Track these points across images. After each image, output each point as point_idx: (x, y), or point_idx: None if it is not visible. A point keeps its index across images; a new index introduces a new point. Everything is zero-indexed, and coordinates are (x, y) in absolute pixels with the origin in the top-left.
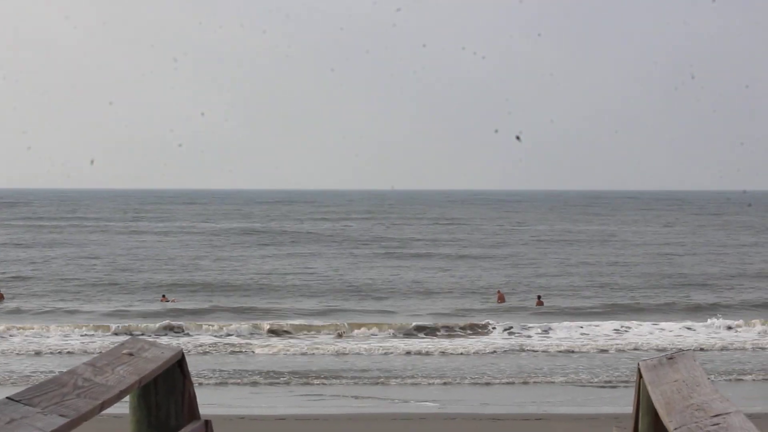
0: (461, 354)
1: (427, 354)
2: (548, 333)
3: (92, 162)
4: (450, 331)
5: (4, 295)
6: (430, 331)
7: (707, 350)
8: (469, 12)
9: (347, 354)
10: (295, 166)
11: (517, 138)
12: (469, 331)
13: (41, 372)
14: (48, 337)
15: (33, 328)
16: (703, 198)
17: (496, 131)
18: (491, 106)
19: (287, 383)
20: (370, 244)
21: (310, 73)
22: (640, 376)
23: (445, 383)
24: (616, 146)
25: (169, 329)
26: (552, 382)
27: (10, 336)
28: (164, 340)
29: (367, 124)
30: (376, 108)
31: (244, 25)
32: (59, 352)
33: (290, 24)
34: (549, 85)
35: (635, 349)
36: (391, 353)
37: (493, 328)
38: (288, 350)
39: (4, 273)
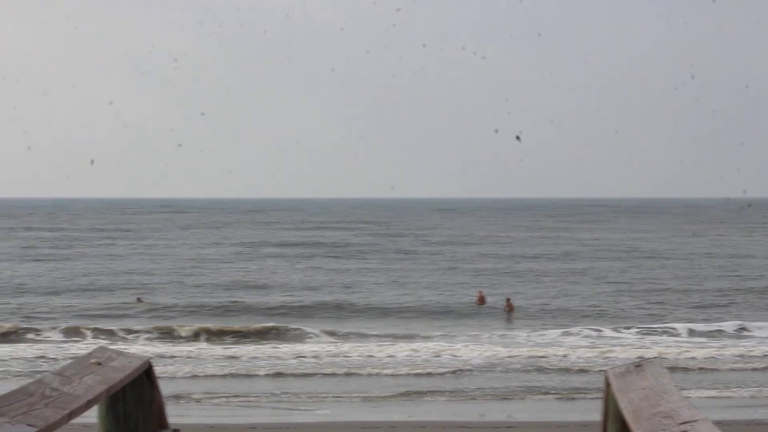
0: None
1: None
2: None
3: (92, 162)
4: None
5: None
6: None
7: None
8: (469, 12)
9: (337, 358)
10: (291, 171)
11: (517, 138)
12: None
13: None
14: None
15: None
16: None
17: (496, 131)
18: (491, 107)
19: (259, 392)
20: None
21: (311, 73)
22: (608, 384)
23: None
24: (616, 147)
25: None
26: (521, 391)
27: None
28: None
29: (367, 124)
30: (377, 108)
31: (244, 25)
32: None
33: (290, 24)
34: (549, 85)
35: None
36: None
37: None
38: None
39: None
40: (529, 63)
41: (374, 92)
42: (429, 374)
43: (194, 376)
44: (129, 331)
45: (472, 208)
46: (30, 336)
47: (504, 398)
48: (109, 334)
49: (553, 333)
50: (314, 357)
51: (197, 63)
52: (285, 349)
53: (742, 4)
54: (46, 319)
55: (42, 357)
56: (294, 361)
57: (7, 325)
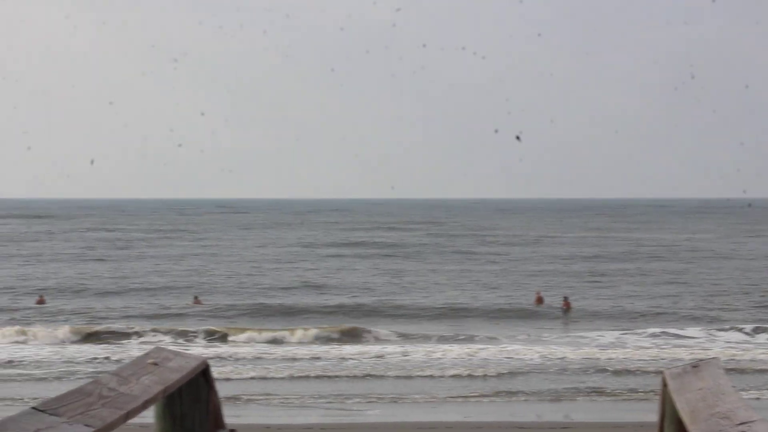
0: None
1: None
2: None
3: (92, 162)
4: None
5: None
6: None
7: None
8: (469, 12)
9: (383, 358)
10: (293, 172)
11: (517, 138)
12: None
13: None
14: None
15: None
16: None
17: (496, 131)
18: (491, 107)
19: (315, 392)
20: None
21: (310, 73)
22: (665, 385)
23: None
24: (616, 147)
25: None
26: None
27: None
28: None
29: (366, 124)
30: (376, 109)
31: (244, 25)
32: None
33: (290, 24)
34: (549, 85)
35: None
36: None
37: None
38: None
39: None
40: (529, 63)
41: (374, 92)
42: (486, 375)
43: (251, 378)
44: (186, 332)
45: (521, 208)
46: (105, 337)
47: (561, 399)
48: (166, 334)
49: (611, 333)
50: (373, 357)
51: (197, 63)
52: (346, 349)
53: (742, 4)
54: (105, 319)
55: (94, 358)
56: (352, 362)
57: (95, 327)
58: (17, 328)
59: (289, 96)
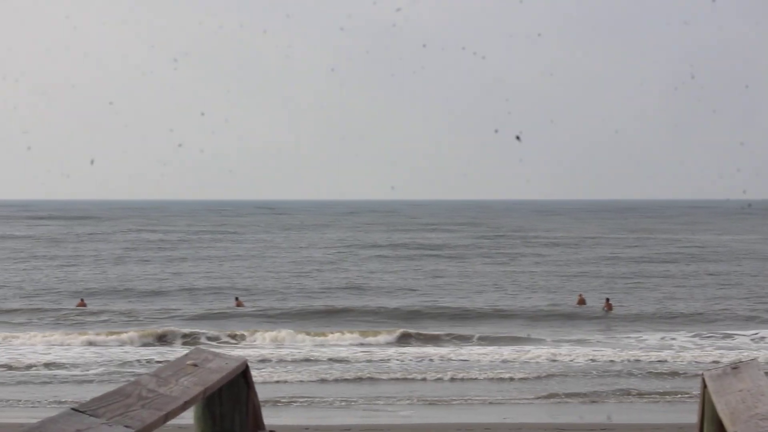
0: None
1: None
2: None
3: (92, 162)
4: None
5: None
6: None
7: None
8: (469, 12)
9: (425, 360)
10: (293, 173)
11: (517, 138)
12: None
13: None
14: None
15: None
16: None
17: (496, 131)
18: (491, 106)
19: (353, 394)
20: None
21: (311, 73)
22: (705, 386)
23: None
24: (616, 147)
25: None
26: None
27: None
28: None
29: (366, 125)
30: (376, 108)
31: (244, 25)
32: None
33: (290, 24)
34: (549, 85)
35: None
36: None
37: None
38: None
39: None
40: (529, 63)
41: (374, 92)
42: (527, 376)
43: (290, 380)
44: (226, 334)
45: (563, 209)
46: (168, 339)
47: (602, 400)
48: (206, 336)
49: (653, 335)
50: (415, 359)
51: (197, 63)
52: (388, 351)
53: (742, 4)
54: (149, 320)
55: (124, 361)
56: (394, 363)
57: (159, 330)
58: (78, 332)
59: (289, 96)
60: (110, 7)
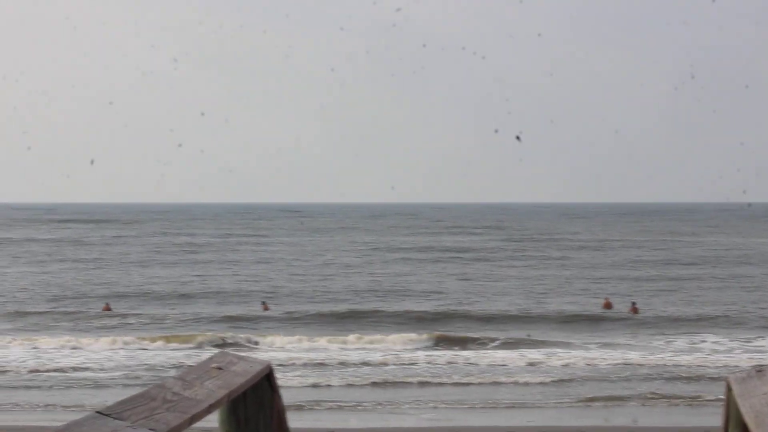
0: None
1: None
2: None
3: (92, 162)
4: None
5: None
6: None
7: None
8: (469, 12)
9: (452, 364)
10: (294, 173)
11: (517, 138)
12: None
13: None
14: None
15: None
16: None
17: (497, 131)
18: (491, 106)
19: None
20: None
21: (310, 73)
22: (730, 389)
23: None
24: (616, 147)
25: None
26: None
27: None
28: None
29: (367, 124)
30: (376, 108)
31: (244, 25)
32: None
33: (290, 24)
34: (549, 85)
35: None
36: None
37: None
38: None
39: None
40: (529, 63)
41: (374, 92)
42: (553, 379)
43: (314, 385)
44: (251, 338)
45: (588, 212)
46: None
47: (627, 403)
48: (232, 340)
49: (679, 338)
50: (444, 363)
51: (197, 63)
52: (416, 354)
53: (742, 4)
54: (174, 324)
55: (149, 364)
56: (422, 366)
57: (185, 334)
58: (112, 337)
59: (289, 96)
60: (110, 7)
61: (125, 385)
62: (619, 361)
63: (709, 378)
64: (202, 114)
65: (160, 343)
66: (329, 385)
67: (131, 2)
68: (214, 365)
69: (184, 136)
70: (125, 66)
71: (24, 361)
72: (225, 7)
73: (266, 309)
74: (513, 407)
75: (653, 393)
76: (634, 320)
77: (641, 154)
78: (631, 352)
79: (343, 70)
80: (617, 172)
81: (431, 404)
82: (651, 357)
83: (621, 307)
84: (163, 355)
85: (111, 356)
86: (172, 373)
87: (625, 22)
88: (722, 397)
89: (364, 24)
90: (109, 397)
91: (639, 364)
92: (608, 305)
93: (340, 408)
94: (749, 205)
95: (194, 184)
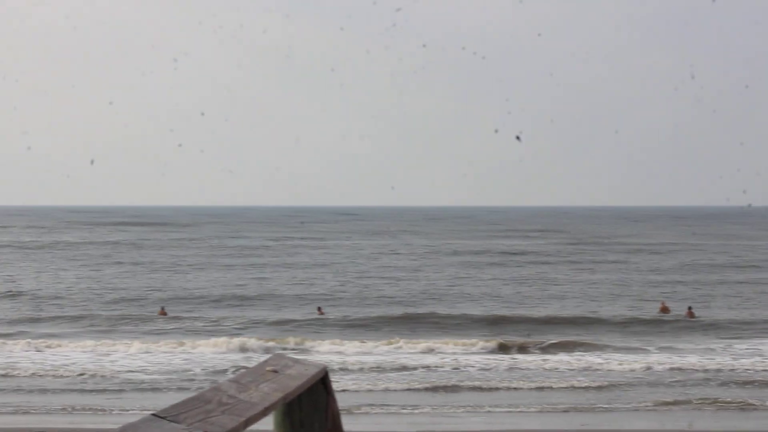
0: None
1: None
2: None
3: (92, 162)
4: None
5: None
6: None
7: None
8: (469, 12)
9: (513, 370)
10: (293, 173)
11: (517, 138)
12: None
13: None
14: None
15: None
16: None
17: (497, 131)
18: (491, 106)
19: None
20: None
21: (311, 73)
22: None
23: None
24: (615, 147)
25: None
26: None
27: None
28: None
29: (367, 124)
30: (376, 108)
31: (244, 25)
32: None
33: (290, 24)
34: (549, 85)
35: None
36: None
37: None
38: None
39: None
40: (529, 63)
41: (374, 92)
42: (605, 384)
43: (369, 389)
44: (307, 342)
45: (643, 216)
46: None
47: (683, 408)
48: (287, 344)
49: (736, 342)
50: (499, 367)
51: (197, 63)
52: (471, 359)
53: (742, 4)
54: (230, 328)
55: (204, 368)
56: (477, 370)
57: (239, 338)
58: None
59: (289, 96)
60: (110, 7)
61: (180, 389)
62: (674, 366)
63: (765, 382)
64: (202, 114)
65: (215, 346)
66: (385, 389)
67: (131, 2)
68: (270, 368)
69: (184, 136)
70: (125, 66)
71: (81, 365)
72: (225, 7)
73: (321, 313)
74: (565, 411)
75: (709, 397)
76: (691, 324)
77: (640, 154)
78: (688, 356)
79: (343, 70)
80: (615, 172)
81: (486, 408)
82: (706, 361)
83: (678, 311)
84: (218, 358)
85: (166, 359)
86: (228, 376)
87: (624, 21)
88: None
89: (364, 24)
90: (164, 400)
91: (695, 369)
92: (665, 309)
93: (395, 412)
94: (749, 205)
95: (252, 187)
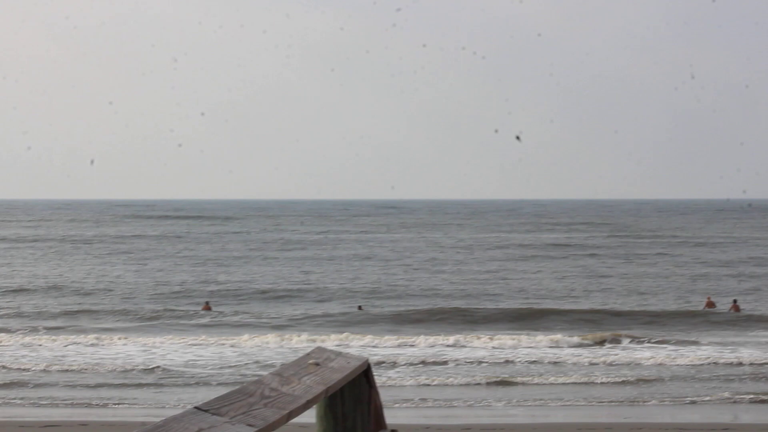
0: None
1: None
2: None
3: (92, 162)
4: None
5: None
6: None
7: None
8: (469, 12)
9: (557, 364)
10: (293, 173)
11: (517, 138)
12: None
13: None
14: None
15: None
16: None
17: (497, 131)
18: (491, 106)
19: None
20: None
21: (311, 73)
22: None
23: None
24: (615, 147)
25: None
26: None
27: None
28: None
29: (367, 125)
30: (376, 108)
31: (244, 25)
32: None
33: (290, 24)
34: (549, 85)
35: None
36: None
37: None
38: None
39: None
40: (529, 63)
41: (374, 92)
42: (650, 378)
43: (415, 383)
44: (349, 335)
45: (687, 209)
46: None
47: (728, 401)
48: (329, 338)
49: None
50: (548, 361)
51: (197, 63)
52: (516, 352)
53: (742, 4)
54: (273, 322)
55: (243, 361)
56: (525, 365)
57: (283, 334)
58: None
59: (289, 96)
60: (110, 7)
61: (221, 383)
62: (720, 360)
63: None
64: (202, 114)
65: (257, 340)
66: (427, 384)
67: (131, 2)
68: (312, 361)
69: (184, 136)
70: (125, 66)
71: (125, 359)
72: (225, 7)
73: (360, 309)
74: (609, 404)
75: (755, 391)
76: (737, 318)
77: (640, 154)
78: (732, 350)
79: (343, 70)
80: (616, 172)
81: (534, 402)
82: (752, 355)
83: (724, 306)
84: (260, 351)
85: (209, 353)
86: (270, 369)
87: (624, 21)
88: None
89: (364, 24)
90: (206, 393)
91: (738, 362)
92: (710, 304)
93: (437, 405)
94: (750, 204)
95: (297, 180)
